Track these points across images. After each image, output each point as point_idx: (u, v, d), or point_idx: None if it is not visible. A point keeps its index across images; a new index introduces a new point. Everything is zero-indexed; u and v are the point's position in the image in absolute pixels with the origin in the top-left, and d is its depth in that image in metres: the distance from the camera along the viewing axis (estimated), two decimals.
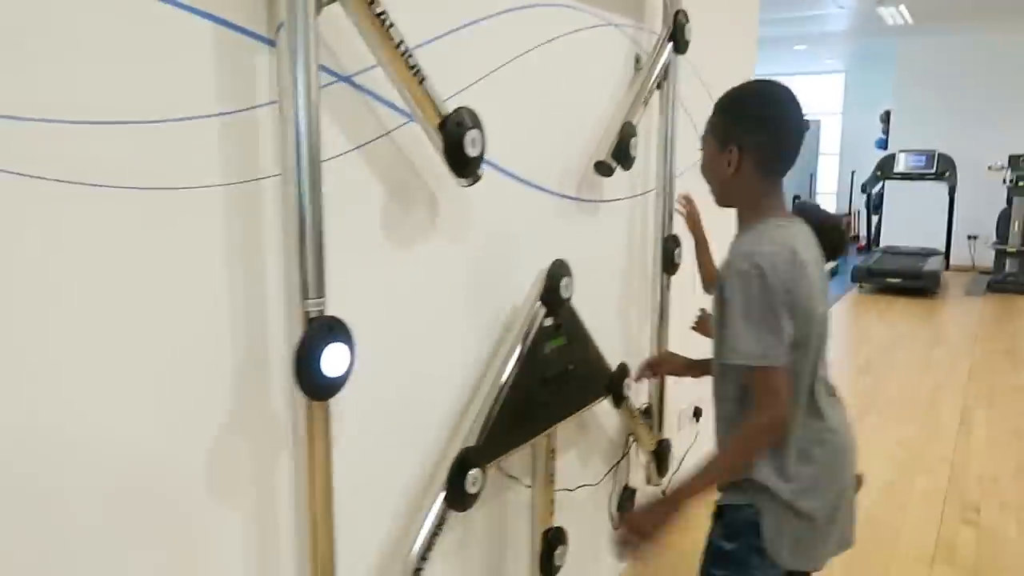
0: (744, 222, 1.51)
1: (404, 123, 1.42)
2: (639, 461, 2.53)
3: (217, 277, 1.14)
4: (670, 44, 2.25)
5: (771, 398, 1.37)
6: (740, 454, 1.44)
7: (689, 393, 2.86)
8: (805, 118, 1.52)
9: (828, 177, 13.74)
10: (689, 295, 2.32)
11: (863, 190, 9.35)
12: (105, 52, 0.97)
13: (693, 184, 2.55)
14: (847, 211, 12.16)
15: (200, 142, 1.09)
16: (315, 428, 1.19)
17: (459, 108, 1.41)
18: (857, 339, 6.68)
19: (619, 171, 2.10)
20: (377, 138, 1.39)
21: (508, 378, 1.66)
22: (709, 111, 1.53)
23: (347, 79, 1.31)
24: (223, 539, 1.19)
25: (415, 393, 1.55)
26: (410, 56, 1.28)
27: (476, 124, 1.42)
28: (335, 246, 1.32)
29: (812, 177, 13.19)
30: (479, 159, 1.45)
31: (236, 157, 1.13)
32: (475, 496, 1.56)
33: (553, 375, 1.81)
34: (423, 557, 1.47)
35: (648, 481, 2.54)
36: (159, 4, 1.02)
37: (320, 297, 1.17)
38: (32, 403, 0.94)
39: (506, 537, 1.90)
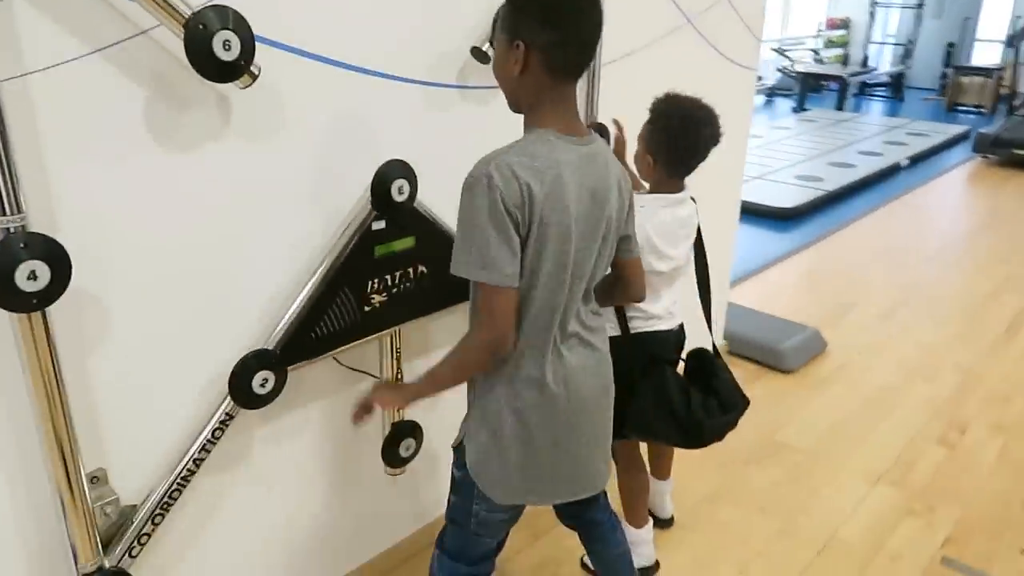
0: (525, 130, 1.36)
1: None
2: None
3: None
4: None
5: (487, 317, 1.30)
6: (452, 371, 1.41)
7: None
8: (601, 10, 1.31)
9: (995, 21, 11.83)
10: None
11: (1009, 43, 8.06)
12: None
13: (624, 74, 2.31)
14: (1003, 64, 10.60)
15: None
16: (30, 332, 1.25)
17: (206, 7, 1.31)
18: (948, 219, 6.06)
19: None
20: (128, 38, 1.33)
21: (317, 283, 1.65)
22: None
23: None
24: None
25: (212, 297, 1.57)
26: None
27: (230, 24, 1.33)
28: (82, 154, 1.33)
29: (969, 21, 11.45)
30: (240, 63, 1.36)
31: None
32: (267, 396, 1.61)
33: (392, 278, 1.78)
34: (203, 448, 1.57)
35: None
36: None
37: (16, 214, 1.18)
38: None
39: (359, 427, 1.96)
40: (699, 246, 2.04)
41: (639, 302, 1.69)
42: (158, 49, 1.37)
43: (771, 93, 11.63)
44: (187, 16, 1.29)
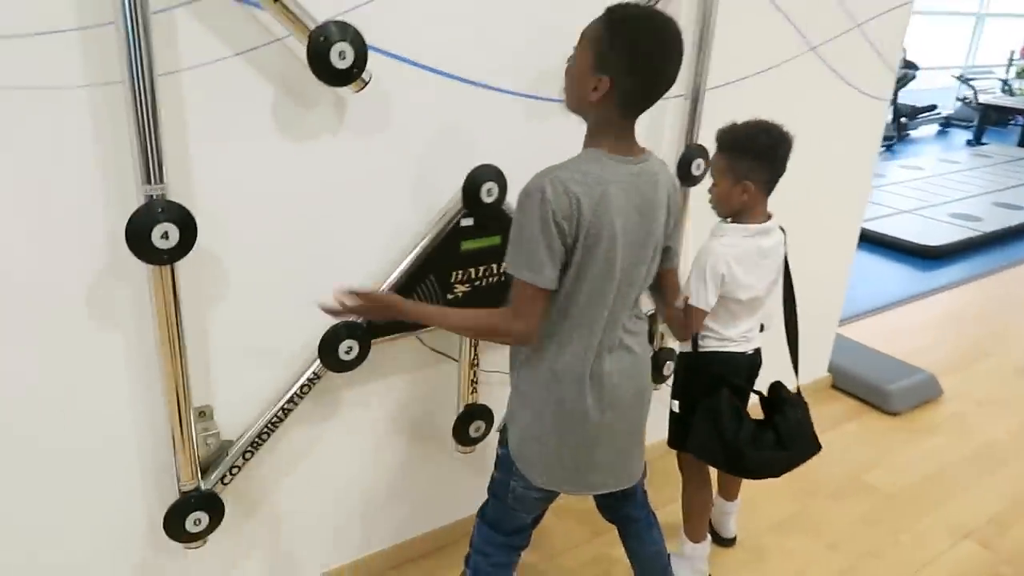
0: (583, 147, 1.50)
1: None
2: None
3: (86, 157, 1.45)
4: None
5: (519, 311, 1.44)
6: (471, 330, 1.65)
7: None
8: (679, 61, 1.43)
9: None
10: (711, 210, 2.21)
11: None
12: None
13: (732, 100, 2.34)
14: None
15: (64, 50, 1.37)
16: (160, 282, 1.51)
17: (330, 21, 1.53)
18: None
19: None
20: (264, 45, 1.57)
21: (406, 268, 1.84)
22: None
23: None
24: (105, 351, 1.59)
25: (314, 270, 1.79)
26: None
27: (348, 37, 1.54)
28: (219, 140, 1.58)
29: None
30: (353, 71, 1.57)
31: (97, 63, 1.40)
32: (351, 362, 1.83)
33: (475, 272, 1.95)
34: (291, 400, 1.80)
35: None
36: None
37: (159, 183, 1.44)
38: None
39: (436, 404, 2.15)
40: (786, 279, 2.05)
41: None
42: (289, 55, 1.60)
43: (946, 123, 10.87)
44: (311, 28, 1.52)
